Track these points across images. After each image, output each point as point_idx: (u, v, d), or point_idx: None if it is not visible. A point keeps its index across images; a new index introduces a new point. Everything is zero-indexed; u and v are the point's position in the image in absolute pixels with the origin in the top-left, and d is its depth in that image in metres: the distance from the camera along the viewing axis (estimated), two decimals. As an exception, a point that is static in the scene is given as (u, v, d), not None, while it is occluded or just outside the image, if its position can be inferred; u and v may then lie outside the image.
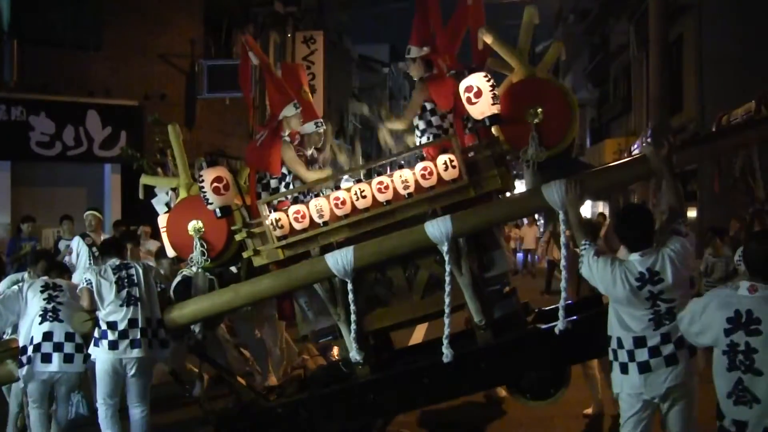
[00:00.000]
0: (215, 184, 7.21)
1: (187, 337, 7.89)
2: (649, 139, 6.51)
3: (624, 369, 5.62)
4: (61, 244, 12.72)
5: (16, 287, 8.00)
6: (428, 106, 7.60)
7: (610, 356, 5.77)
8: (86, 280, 7.64)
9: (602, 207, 31.08)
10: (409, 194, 7.03)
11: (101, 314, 7.53)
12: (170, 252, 8.32)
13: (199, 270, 7.69)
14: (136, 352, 7.52)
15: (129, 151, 8.71)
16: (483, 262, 7.35)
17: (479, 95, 6.85)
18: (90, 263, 11.24)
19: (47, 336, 7.67)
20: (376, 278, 7.28)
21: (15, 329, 8.10)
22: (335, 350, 9.23)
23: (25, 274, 8.66)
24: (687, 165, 7.37)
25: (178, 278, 8.02)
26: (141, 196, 8.65)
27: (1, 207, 16.68)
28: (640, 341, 5.55)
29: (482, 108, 6.88)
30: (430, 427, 8.97)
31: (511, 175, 7.59)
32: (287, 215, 7.19)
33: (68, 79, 17.24)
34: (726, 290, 5.12)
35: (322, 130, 8.13)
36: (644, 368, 5.52)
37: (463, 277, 7.08)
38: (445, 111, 7.60)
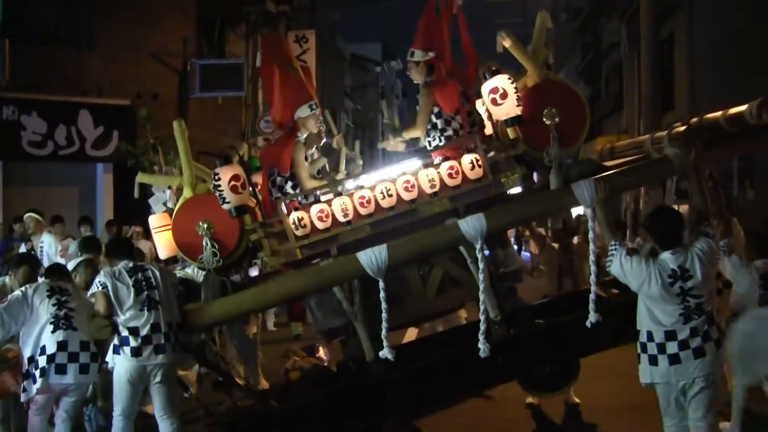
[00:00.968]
0: (233, 183, 7.11)
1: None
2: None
3: (653, 360, 6.06)
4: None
5: (19, 293, 7.24)
6: (434, 109, 7.67)
7: (639, 349, 6.17)
8: (100, 284, 7.11)
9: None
10: (434, 193, 7.17)
11: (120, 319, 7.07)
12: (162, 254, 8.13)
13: (210, 271, 7.42)
14: (161, 358, 7.09)
15: (128, 148, 8.45)
16: (497, 259, 7.60)
17: (505, 97, 7.09)
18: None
19: (62, 345, 7.06)
20: (392, 276, 7.15)
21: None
22: (322, 351, 9.25)
23: (6, 279, 8.25)
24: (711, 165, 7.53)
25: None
26: (136, 194, 8.50)
27: (-7, 207, 16.60)
28: (670, 335, 5.98)
29: (507, 109, 7.12)
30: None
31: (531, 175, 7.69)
32: (309, 214, 7.15)
33: (60, 79, 17.21)
34: None
35: (318, 112, 7.93)
36: (674, 360, 5.97)
37: (482, 273, 7.14)
38: (451, 114, 7.65)
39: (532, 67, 7.57)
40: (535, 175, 7.65)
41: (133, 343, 7.03)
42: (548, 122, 7.13)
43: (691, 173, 6.86)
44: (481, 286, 7.00)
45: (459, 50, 7.91)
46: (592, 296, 7.03)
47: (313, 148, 7.99)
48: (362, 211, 7.15)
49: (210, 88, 19.21)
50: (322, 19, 33.15)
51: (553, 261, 10.45)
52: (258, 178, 7.76)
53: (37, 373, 7.03)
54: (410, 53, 7.80)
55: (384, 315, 6.96)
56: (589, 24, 35.25)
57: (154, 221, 8.18)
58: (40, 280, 7.78)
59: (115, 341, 7.13)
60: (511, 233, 19.67)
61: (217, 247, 7.41)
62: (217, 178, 7.13)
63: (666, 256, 6.08)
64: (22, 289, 7.30)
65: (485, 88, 7.23)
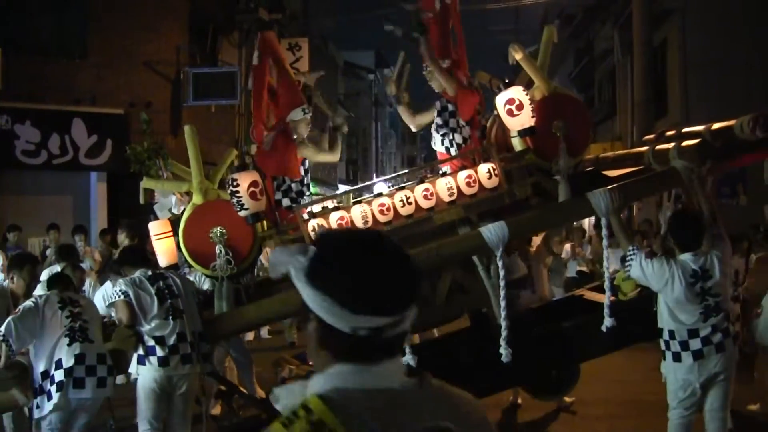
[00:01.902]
0: (252, 189, 7.07)
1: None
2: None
3: (677, 357, 6.39)
4: (49, 253, 12.68)
5: (31, 303, 6.82)
6: (450, 107, 7.81)
7: (662, 346, 6.52)
8: (121, 293, 6.88)
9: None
10: (452, 201, 7.29)
11: (145, 329, 6.88)
12: (162, 261, 7.80)
13: (224, 279, 7.24)
14: (187, 368, 6.95)
15: (137, 149, 8.15)
16: (505, 266, 7.61)
17: (521, 108, 7.27)
18: None
19: (79, 359, 6.66)
20: None
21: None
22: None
23: (5, 283, 8.08)
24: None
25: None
26: (142, 200, 8.35)
27: (-13, 216, 16.54)
28: (693, 333, 6.33)
29: (523, 120, 7.31)
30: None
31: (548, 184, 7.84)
32: (328, 221, 7.17)
33: (54, 88, 17.19)
34: None
35: (309, 117, 7.96)
36: (698, 356, 6.31)
37: (492, 280, 7.33)
38: (465, 121, 7.82)
39: (540, 79, 7.71)
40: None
41: (160, 352, 6.87)
42: (558, 134, 7.30)
43: (698, 185, 7.12)
44: (502, 293, 7.13)
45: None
46: (606, 301, 7.27)
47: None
48: (381, 218, 7.20)
49: (203, 96, 19.19)
50: (315, 26, 33.16)
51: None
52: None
53: (53, 388, 6.63)
54: (424, 66, 7.92)
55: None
56: (582, 30, 35.29)
57: (154, 228, 7.95)
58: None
59: (140, 351, 6.94)
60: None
61: (230, 254, 7.24)
62: (235, 183, 7.07)
63: (687, 257, 6.43)
64: (33, 299, 6.91)
65: (501, 99, 7.38)
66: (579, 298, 9.00)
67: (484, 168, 7.38)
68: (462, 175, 7.34)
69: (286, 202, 7.69)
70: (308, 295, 2.00)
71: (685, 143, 7.59)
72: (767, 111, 7.57)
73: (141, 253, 7.68)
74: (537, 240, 11.16)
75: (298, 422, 1.88)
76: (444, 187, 7.28)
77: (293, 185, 7.76)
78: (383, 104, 58.91)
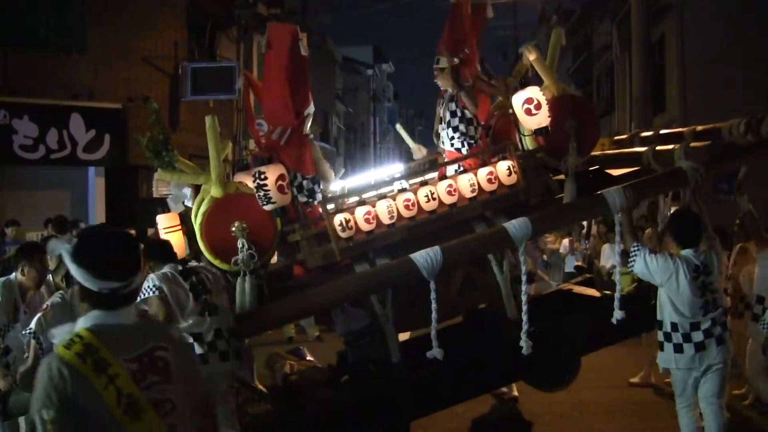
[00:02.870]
0: (279, 183, 7.02)
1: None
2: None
3: (678, 348, 6.69)
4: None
5: (58, 299, 6.58)
6: (467, 114, 7.98)
7: (661, 338, 6.83)
8: (155, 288, 6.52)
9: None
10: (473, 198, 7.44)
11: (183, 326, 6.50)
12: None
13: (247, 274, 7.03)
14: (225, 365, 6.71)
15: (159, 136, 7.77)
16: (511, 262, 7.82)
17: (539, 107, 7.47)
18: None
19: None
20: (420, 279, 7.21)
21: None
22: (307, 354, 9.21)
23: (12, 276, 7.56)
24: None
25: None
26: (156, 193, 8.08)
27: (-15, 211, 16.53)
28: (695, 325, 6.64)
29: (540, 119, 7.51)
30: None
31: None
32: (354, 216, 7.18)
33: (52, 83, 17.16)
34: None
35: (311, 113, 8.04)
36: (699, 347, 6.63)
37: (504, 275, 7.62)
38: (480, 123, 8.11)
39: (551, 80, 7.91)
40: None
41: (198, 350, 6.56)
42: (570, 133, 7.59)
43: (691, 189, 7.59)
44: (524, 288, 7.27)
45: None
46: (617, 294, 7.46)
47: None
48: (406, 213, 7.28)
49: (201, 91, 19.15)
50: (313, 22, 33.16)
51: None
52: (246, 178, 7.65)
53: None
54: (436, 60, 8.06)
55: (434, 315, 7.00)
56: (580, 26, 35.29)
57: (163, 221, 7.76)
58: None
59: None
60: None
61: (253, 248, 7.05)
62: (263, 177, 6.99)
63: (689, 253, 6.74)
64: (61, 295, 6.64)
65: (518, 98, 7.55)
66: (568, 292, 9.13)
67: (503, 165, 7.57)
68: (483, 172, 7.51)
69: (301, 198, 7.66)
70: (73, 268, 3.24)
71: (693, 144, 7.82)
72: (760, 115, 7.89)
73: (168, 247, 7.23)
74: None
75: (75, 345, 3.13)
76: (467, 183, 7.44)
77: (305, 182, 7.73)
78: (381, 99, 58.98)
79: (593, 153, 8.31)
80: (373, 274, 7.21)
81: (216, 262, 7.19)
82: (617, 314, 7.44)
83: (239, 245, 7.01)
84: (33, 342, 6.25)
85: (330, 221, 7.12)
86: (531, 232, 7.20)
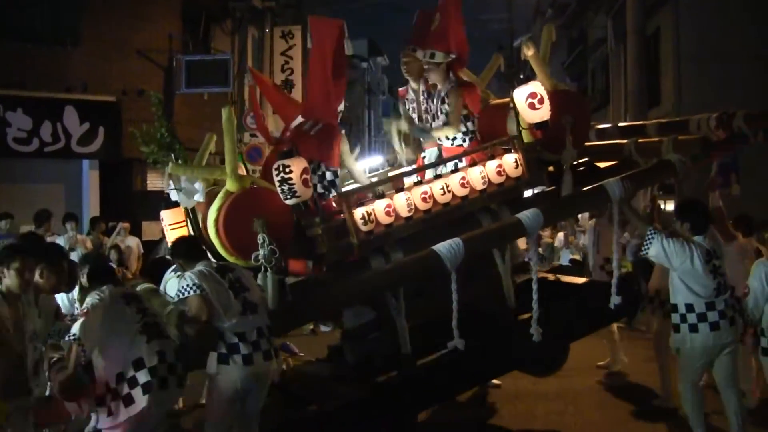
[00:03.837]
0: (304, 176, 6.89)
1: None
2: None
3: (694, 328, 7.00)
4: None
5: (96, 300, 6.00)
6: (463, 111, 8.22)
7: (677, 320, 7.11)
8: (195, 286, 6.25)
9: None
10: (483, 190, 7.65)
11: (226, 325, 6.27)
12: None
13: (269, 269, 6.85)
14: (268, 364, 6.42)
15: (161, 129, 7.52)
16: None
17: (542, 102, 7.71)
18: None
19: (161, 356, 5.93)
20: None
21: None
22: (296, 349, 9.19)
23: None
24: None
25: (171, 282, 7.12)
26: (166, 187, 7.61)
27: (-21, 204, 16.46)
28: (710, 305, 6.97)
29: (542, 113, 7.75)
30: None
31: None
32: (373, 210, 7.17)
33: (45, 75, 17.10)
34: None
35: None
36: (714, 327, 6.94)
37: (506, 266, 7.83)
38: (475, 116, 8.37)
39: (545, 76, 8.04)
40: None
41: (244, 350, 6.28)
42: (566, 127, 7.91)
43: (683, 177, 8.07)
44: (534, 277, 7.46)
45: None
46: (614, 281, 7.75)
47: None
48: (422, 206, 7.37)
49: (196, 84, 19.09)
50: (309, 15, 33.07)
51: None
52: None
53: (137, 390, 5.82)
54: (430, 55, 8.17)
55: (454, 305, 7.01)
56: (575, 19, 35.30)
57: (168, 217, 7.53)
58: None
59: (222, 350, 6.29)
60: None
61: (274, 243, 6.85)
62: (288, 170, 6.82)
63: (699, 239, 7.14)
64: (98, 295, 6.06)
65: (522, 92, 7.76)
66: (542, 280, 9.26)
67: (510, 158, 7.80)
68: (492, 165, 7.72)
69: (319, 189, 7.57)
70: None
71: (681, 137, 8.20)
72: (730, 110, 8.27)
73: (198, 244, 6.98)
74: None
75: None
76: (478, 175, 7.62)
77: (328, 173, 7.65)
78: (376, 93, 58.95)
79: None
80: (398, 267, 7.22)
81: (231, 259, 6.99)
82: (614, 299, 7.71)
83: (260, 240, 6.82)
84: (75, 347, 5.64)
85: (351, 215, 7.09)
86: (543, 222, 7.43)
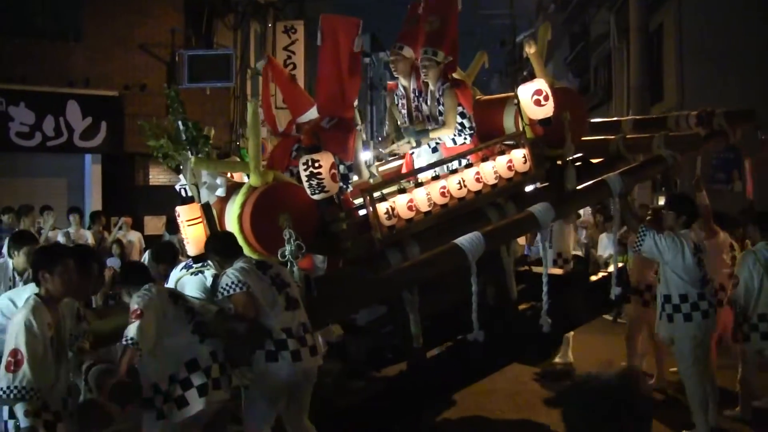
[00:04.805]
0: (332, 171, 6.85)
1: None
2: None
3: (688, 318, 7.49)
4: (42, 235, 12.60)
5: (148, 299, 5.74)
6: (458, 109, 8.38)
7: (669, 310, 7.57)
8: (240, 284, 6.12)
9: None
10: (494, 185, 7.80)
11: (273, 322, 6.19)
12: (191, 250, 7.09)
13: (293, 265, 6.75)
14: (314, 360, 6.37)
15: (176, 124, 7.30)
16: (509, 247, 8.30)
17: (547, 99, 7.84)
18: None
19: (214, 357, 5.91)
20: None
21: None
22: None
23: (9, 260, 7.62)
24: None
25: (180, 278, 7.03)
26: (186, 181, 7.28)
27: (-19, 198, 16.48)
28: (701, 295, 7.48)
29: (547, 110, 7.87)
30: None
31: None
32: (396, 204, 7.21)
33: (48, 70, 17.13)
34: None
35: None
36: (706, 315, 7.48)
37: (509, 258, 8.15)
38: (471, 113, 8.51)
39: (543, 74, 8.20)
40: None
41: (292, 346, 6.20)
42: (566, 123, 8.12)
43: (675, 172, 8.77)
44: (545, 270, 7.82)
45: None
46: (615, 273, 8.31)
47: None
48: (440, 201, 7.46)
49: (198, 79, 19.09)
50: (311, 9, 33.00)
51: None
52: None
53: (193, 392, 5.77)
54: (432, 52, 8.32)
55: (474, 298, 7.17)
56: (577, 15, 35.27)
57: (184, 213, 7.25)
58: None
59: (270, 347, 6.19)
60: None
61: (300, 239, 6.76)
62: (317, 165, 6.76)
63: (686, 233, 7.57)
64: (146, 294, 5.80)
65: (527, 89, 7.87)
66: (528, 272, 9.31)
67: (519, 153, 7.95)
68: (503, 160, 7.85)
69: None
70: None
71: (672, 134, 8.64)
72: (710, 108, 8.68)
73: (234, 240, 6.74)
74: None
75: None
76: (491, 170, 7.74)
77: (341, 167, 7.59)
78: (378, 88, 58.85)
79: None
80: (426, 262, 7.24)
81: (254, 255, 6.84)
82: (615, 291, 8.29)
83: (286, 236, 6.74)
84: (132, 350, 5.52)
85: (375, 210, 7.10)
86: (554, 215, 7.68)
